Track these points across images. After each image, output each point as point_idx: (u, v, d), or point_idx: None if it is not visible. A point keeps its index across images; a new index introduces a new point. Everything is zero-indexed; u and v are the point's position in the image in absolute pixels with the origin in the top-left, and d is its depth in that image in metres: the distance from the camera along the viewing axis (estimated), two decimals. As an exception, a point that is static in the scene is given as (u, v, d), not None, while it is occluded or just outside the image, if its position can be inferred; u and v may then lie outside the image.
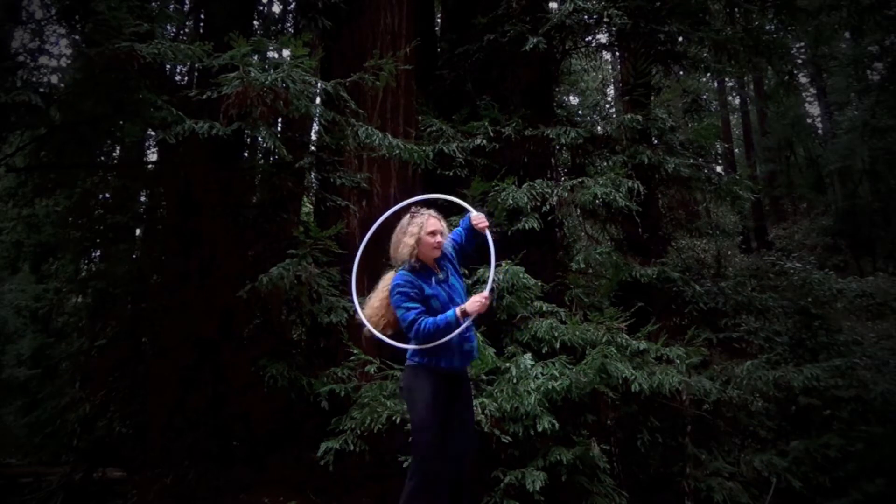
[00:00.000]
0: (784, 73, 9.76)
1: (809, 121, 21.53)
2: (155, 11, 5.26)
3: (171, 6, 7.38)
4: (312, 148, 6.14)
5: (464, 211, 3.26)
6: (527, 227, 5.56)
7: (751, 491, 4.90)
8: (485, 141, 6.06)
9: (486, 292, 2.90)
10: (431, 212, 3.16)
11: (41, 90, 4.89)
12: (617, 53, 10.29)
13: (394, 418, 4.20)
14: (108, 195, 6.51)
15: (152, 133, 6.85)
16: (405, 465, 4.07)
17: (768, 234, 17.29)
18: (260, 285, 4.60)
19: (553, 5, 7.63)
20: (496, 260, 3.05)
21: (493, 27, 6.63)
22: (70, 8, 5.18)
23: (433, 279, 3.07)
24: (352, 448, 4.23)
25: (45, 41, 6.00)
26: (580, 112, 9.81)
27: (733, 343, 6.30)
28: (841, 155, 15.94)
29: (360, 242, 3.36)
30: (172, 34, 7.50)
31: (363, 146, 5.30)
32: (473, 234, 3.22)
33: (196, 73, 6.42)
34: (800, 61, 17.08)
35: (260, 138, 5.91)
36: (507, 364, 4.54)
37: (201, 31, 7.54)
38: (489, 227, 3.12)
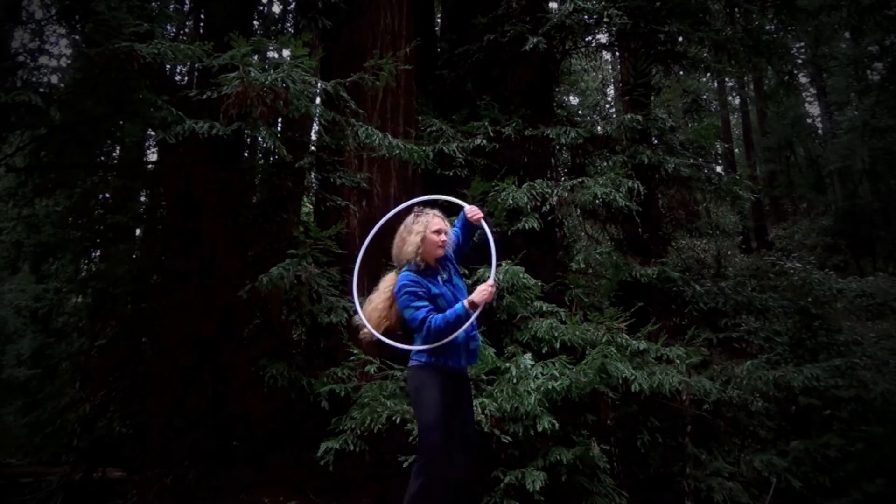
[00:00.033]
0: (784, 73, 9.76)
1: (809, 121, 21.55)
2: (155, 11, 5.26)
3: (171, 6, 7.37)
4: (312, 148, 6.15)
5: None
6: (527, 227, 5.56)
7: (751, 491, 4.89)
8: (485, 141, 6.05)
9: (490, 280, 2.89)
10: (435, 211, 3.16)
11: (41, 90, 4.89)
12: (617, 53, 10.30)
13: (394, 418, 4.20)
14: (108, 195, 6.51)
15: (152, 133, 6.85)
16: (405, 464, 4.07)
17: (768, 234, 17.30)
18: (260, 285, 4.60)
19: (553, 5, 7.64)
20: (496, 252, 3.06)
21: (493, 27, 6.63)
22: (70, 8, 5.18)
23: (439, 279, 3.08)
24: (352, 448, 4.22)
25: (45, 41, 6.02)
26: (580, 112, 9.79)
27: (733, 343, 6.30)
28: (841, 155, 15.95)
29: (360, 242, 3.36)
30: (172, 34, 7.50)
31: (363, 146, 5.30)
32: (470, 230, 3.23)
33: (196, 73, 6.41)
34: (800, 61, 17.10)
35: (260, 138, 5.91)
36: (507, 364, 4.54)
37: (201, 31, 7.54)
38: (484, 217, 3.13)
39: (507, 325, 5.11)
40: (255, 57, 4.91)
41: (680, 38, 7.08)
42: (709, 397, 4.98)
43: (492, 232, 3.09)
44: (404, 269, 3.05)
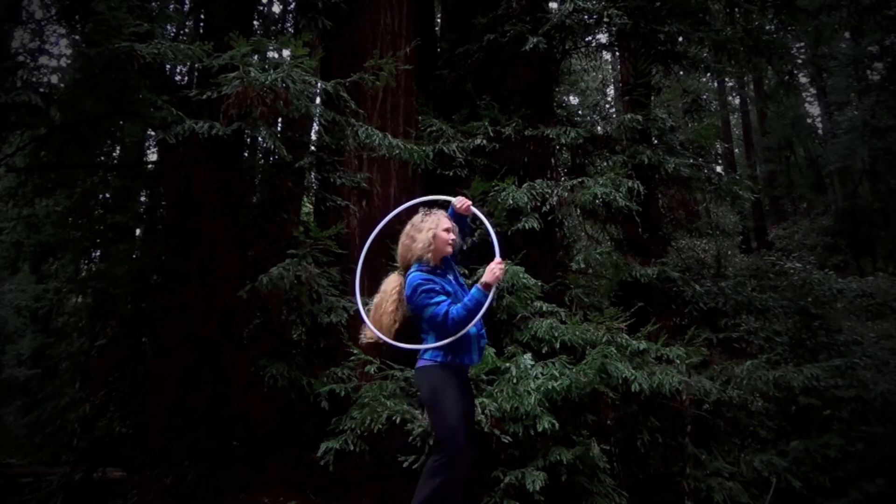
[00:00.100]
0: (784, 73, 9.75)
1: (809, 121, 21.55)
2: (155, 11, 5.26)
3: (171, 6, 7.38)
4: (312, 148, 6.14)
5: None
6: (527, 227, 5.56)
7: (751, 491, 4.89)
8: (485, 141, 6.05)
9: (497, 258, 2.89)
10: (441, 211, 3.18)
11: (41, 90, 4.89)
12: (617, 53, 10.31)
13: (394, 418, 4.20)
14: (108, 195, 6.50)
15: (152, 133, 6.85)
16: (405, 464, 4.08)
17: (768, 234, 17.31)
18: (260, 285, 4.60)
19: (553, 5, 7.63)
20: (495, 234, 3.08)
21: (493, 27, 6.63)
22: (70, 8, 5.18)
23: (449, 277, 3.09)
24: (352, 448, 4.22)
25: (45, 41, 6.03)
26: (580, 112, 9.80)
27: (733, 343, 6.29)
28: (841, 155, 15.96)
29: (360, 242, 3.37)
30: (172, 34, 7.51)
31: (363, 146, 5.30)
32: (465, 226, 3.25)
33: (196, 73, 6.41)
34: (800, 61, 17.11)
35: (260, 138, 5.91)
36: (507, 364, 4.54)
37: (201, 31, 7.54)
38: (472, 204, 3.16)
39: (507, 325, 5.11)
40: (255, 57, 4.91)
41: (680, 38, 7.07)
42: (709, 397, 4.98)
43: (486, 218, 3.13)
44: (413, 268, 3.02)
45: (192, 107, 4.71)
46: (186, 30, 7.97)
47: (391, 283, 3.10)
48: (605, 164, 6.69)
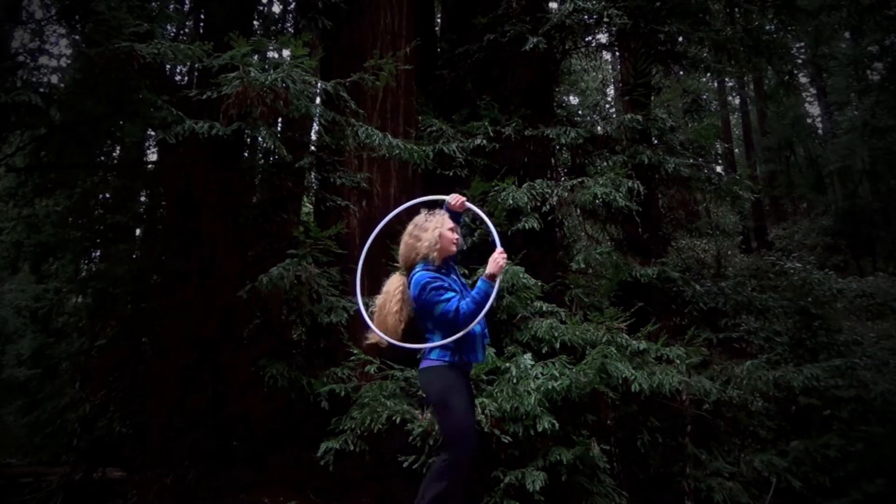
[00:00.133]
0: (784, 73, 9.76)
1: (809, 121, 21.55)
2: (155, 11, 5.26)
3: (171, 6, 7.37)
4: (312, 148, 6.14)
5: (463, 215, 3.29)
6: (527, 227, 5.56)
7: (751, 491, 4.89)
8: (485, 141, 6.05)
9: (499, 248, 2.91)
10: (444, 211, 3.19)
11: (41, 90, 4.89)
12: (617, 53, 10.30)
13: (394, 418, 4.20)
14: (108, 195, 6.51)
15: (152, 133, 6.85)
16: (405, 464, 4.08)
17: (768, 234, 17.31)
18: (260, 285, 4.60)
19: (553, 5, 7.63)
20: (494, 226, 3.11)
21: (493, 27, 6.63)
22: (70, 8, 5.18)
23: (453, 275, 3.11)
24: (352, 448, 4.22)
25: (45, 41, 6.02)
26: (580, 112, 9.80)
27: (733, 343, 6.29)
28: (841, 155, 15.96)
29: (360, 242, 3.37)
30: (172, 34, 7.50)
31: (363, 146, 5.30)
32: (460, 223, 3.25)
33: (196, 73, 6.42)
34: (800, 61, 17.11)
35: (260, 138, 5.91)
36: (507, 364, 4.54)
37: (201, 31, 7.54)
38: (467, 199, 3.19)
39: (507, 325, 5.11)
40: (255, 57, 4.91)
41: (680, 38, 7.08)
42: (709, 397, 4.98)
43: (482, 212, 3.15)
44: (418, 267, 3.00)
45: (192, 107, 4.71)
46: (186, 30, 7.96)
47: (394, 284, 3.08)
48: (605, 164, 6.69)
